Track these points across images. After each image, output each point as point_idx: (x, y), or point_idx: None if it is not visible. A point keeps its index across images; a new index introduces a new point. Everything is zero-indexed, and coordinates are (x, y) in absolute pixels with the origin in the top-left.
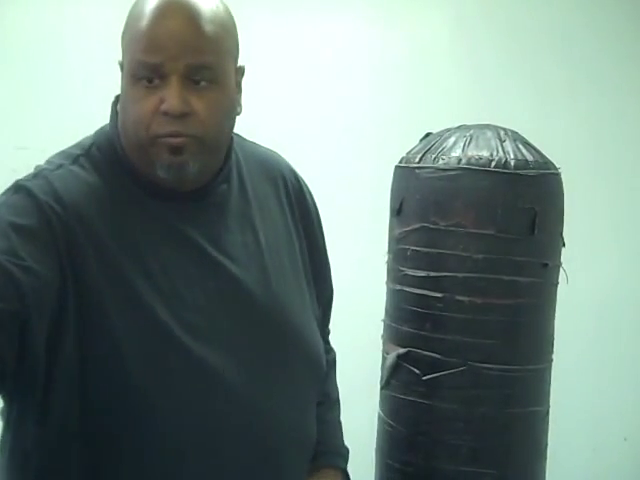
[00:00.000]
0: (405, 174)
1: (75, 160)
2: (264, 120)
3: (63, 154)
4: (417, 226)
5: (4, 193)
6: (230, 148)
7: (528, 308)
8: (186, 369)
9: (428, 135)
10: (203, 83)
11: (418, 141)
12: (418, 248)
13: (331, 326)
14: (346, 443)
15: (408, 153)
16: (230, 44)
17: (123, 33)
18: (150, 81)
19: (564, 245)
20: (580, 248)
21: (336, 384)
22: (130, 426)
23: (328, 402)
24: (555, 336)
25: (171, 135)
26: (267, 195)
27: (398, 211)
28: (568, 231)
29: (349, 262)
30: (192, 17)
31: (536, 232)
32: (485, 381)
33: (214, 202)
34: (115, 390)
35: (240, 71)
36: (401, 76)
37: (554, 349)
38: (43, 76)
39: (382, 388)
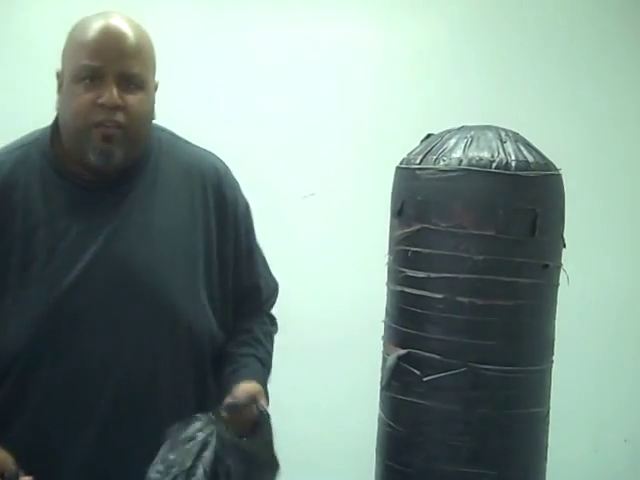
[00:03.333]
0: (406, 175)
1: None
2: (265, 120)
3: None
4: (418, 227)
5: None
6: (148, 149)
7: (529, 309)
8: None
9: (429, 136)
10: (132, 86)
11: (419, 142)
12: (419, 249)
13: (332, 326)
14: (346, 443)
15: (409, 154)
16: (152, 62)
17: (65, 48)
18: (91, 80)
19: (565, 246)
20: (581, 249)
21: (266, 331)
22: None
23: (250, 339)
24: (555, 337)
25: (105, 123)
26: (178, 189)
27: (399, 212)
28: (569, 232)
29: (350, 263)
30: (127, 36)
31: (537, 233)
32: (485, 382)
33: (123, 191)
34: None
35: (156, 86)
36: (402, 77)
37: (554, 350)
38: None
39: (382, 389)
